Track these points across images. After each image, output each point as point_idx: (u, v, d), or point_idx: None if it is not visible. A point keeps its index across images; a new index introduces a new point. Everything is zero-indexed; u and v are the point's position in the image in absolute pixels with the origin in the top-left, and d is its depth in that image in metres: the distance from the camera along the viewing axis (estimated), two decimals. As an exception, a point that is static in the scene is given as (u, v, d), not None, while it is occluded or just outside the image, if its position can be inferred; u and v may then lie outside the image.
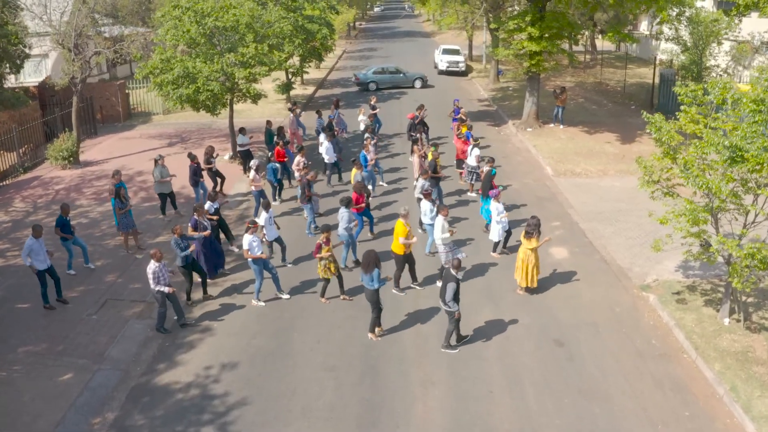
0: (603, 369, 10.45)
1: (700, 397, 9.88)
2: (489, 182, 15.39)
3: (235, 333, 11.51)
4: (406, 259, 12.64)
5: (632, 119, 27.00)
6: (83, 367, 10.80)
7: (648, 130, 11.11)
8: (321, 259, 11.94)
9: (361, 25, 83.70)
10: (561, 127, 25.35)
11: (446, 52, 40.88)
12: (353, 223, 13.61)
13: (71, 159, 21.37)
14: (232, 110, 20.85)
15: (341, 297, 12.46)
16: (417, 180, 16.10)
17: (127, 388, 10.32)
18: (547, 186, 19.19)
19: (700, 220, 10.21)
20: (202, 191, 17.02)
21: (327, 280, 12.33)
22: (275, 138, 19.59)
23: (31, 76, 30.75)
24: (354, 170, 16.34)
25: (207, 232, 13.12)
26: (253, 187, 16.32)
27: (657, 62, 30.94)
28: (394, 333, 11.41)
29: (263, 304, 12.42)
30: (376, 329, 11.22)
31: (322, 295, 12.48)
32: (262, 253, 12.25)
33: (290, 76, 29.69)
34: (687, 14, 27.61)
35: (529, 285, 12.51)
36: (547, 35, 23.01)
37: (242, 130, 19.81)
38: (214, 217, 14.38)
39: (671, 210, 10.64)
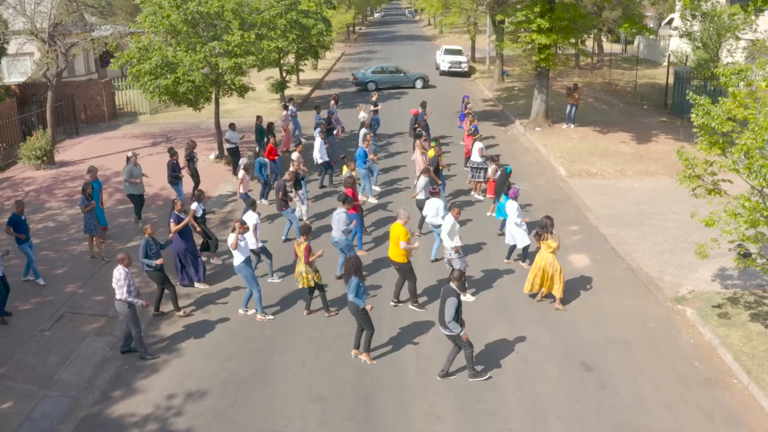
0: (641, 398, 8.79)
1: (757, 431, 8.22)
2: (504, 181, 13.83)
3: (206, 354, 9.84)
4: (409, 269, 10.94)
5: (646, 119, 25.57)
6: (27, 394, 9.16)
7: (691, 114, 9.47)
8: (309, 264, 10.35)
9: (361, 29, 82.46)
10: (572, 126, 23.83)
11: (448, 52, 39.42)
12: (351, 224, 11.96)
13: (45, 159, 19.77)
14: (218, 106, 19.27)
15: (305, 312, 10.86)
16: (418, 178, 14.49)
17: (75, 419, 8.67)
18: (560, 188, 17.60)
19: (761, 221, 8.57)
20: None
21: (321, 288, 10.73)
22: (268, 135, 18.07)
23: (14, 75, 29.40)
24: (345, 168, 14.70)
25: (186, 221, 11.65)
26: (241, 189, 14.73)
27: (670, 60, 29.50)
28: (391, 355, 9.74)
29: (272, 317, 10.76)
30: (353, 351, 9.62)
31: (323, 308, 10.86)
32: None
33: (285, 75, 28.12)
34: (703, 8, 26.20)
35: (553, 292, 10.92)
36: (557, 27, 21.50)
37: (232, 126, 18.26)
38: (198, 229, 12.78)
39: (725, 209, 8.99)
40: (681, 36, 28.40)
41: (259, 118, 19.83)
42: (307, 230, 10.57)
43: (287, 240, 13.85)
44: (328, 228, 14.18)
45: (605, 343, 10.03)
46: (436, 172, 14.69)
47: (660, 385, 9.09)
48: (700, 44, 27.39)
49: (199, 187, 14.92)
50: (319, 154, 17.06)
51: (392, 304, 11.08)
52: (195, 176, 16.01)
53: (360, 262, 9.23)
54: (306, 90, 33.49)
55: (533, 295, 11.30)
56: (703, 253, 9.39)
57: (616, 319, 10.76)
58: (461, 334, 8.68)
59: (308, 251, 10.27)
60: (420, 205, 13.75)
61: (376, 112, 21.28)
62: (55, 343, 10.40)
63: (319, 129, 17.99)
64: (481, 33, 46.20)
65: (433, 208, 12.38)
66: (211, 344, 10.10)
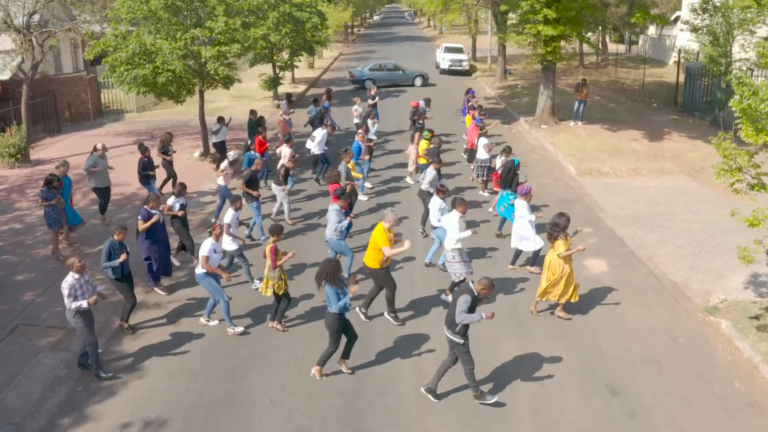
0: (677, 427, 7.51)
1: (815, 467, 6.96)
2: (509, 173, 12.61)
3: (171, 374, 8.51)
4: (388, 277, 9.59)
5: (656, 117, 24.42)
6: (-37, 421, 7.88)
7: (736, 93, 8.20)
8: (274, 269, 9.10)
9: (360, 31, 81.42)
10: (580, 124, 22.65)
11: (449, 50, 38.24)
12: (344, 222, 10.73)
13: (19, 156, 18.52)
14: (202, 100, 18.00)
15: (270, 323, 9.59)
16: (420, 171, 13.15)
17: (15, 452, 7.39)
18: (571, 187, 16.35)
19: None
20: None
21: (286, 298, 9.48)
22: (258, 128, 16.84)
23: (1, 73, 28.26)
24: (348, 163, 13.47)
25: (156, 218, 10.49)
26: (221, 181, 13.47)
27: (680, 56, 28.30)
28: (385, 377, 8.44)
29: (241, 330, 9.39)
30: (314, 369, 8.35)
31: (274, 319, 9.59)
32: (221, 267, 9.63)
33: (278, 71, 26.86)
34: (714, 1, 25.03)
35: (563, 299, 9.68)
36: (564, 18, 20.30)
37: (221, 120, 17.02)
38: (179, 213, 11.51)
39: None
40: (692, 31, 27.22)
41: (252, 112, 18.64)
42: (277, 230, 9.32)
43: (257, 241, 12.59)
44: (321, 227, 13.08)
45: (632, 361, 8.75)
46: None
47: (697, 412, 7.81)
48: (711, 39, 26.21)
49: (181, 182, 13.66)
50: (317, 146, 15.87)
51: (360, 312, 9.75)
52: (169, 171, 14.81)
53: (337, 268, 7.92)
54: (301, 88, 32.29)
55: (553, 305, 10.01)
56: (748, 257, 8.13)
57: (643, 332, 9.48)
58: (485, 317, 7.43)
59: (273, 253, 9.03)
60: (423, 197, 12.60)
61: (374, 105, 20.07)
62: (3, 360, 9.12)
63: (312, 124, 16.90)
64: (482, 34, 45.17)
65: (435, 208, 11.14)
66: (178, 363, 8.77)
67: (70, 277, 8.30)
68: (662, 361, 8.78)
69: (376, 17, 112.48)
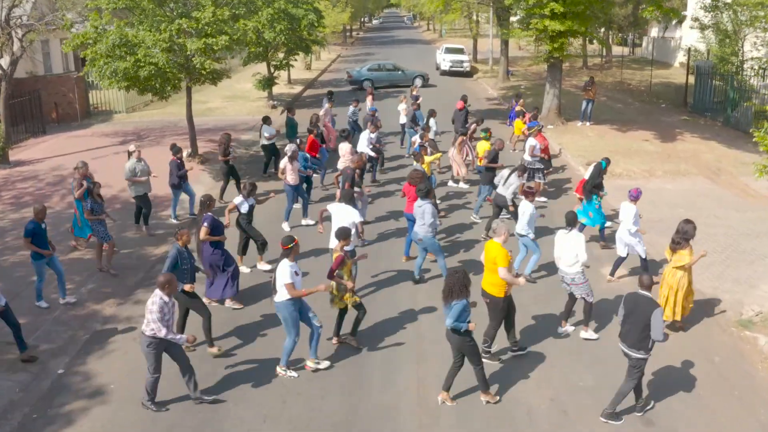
0: (723, 464, 6.49)
1: None
2: (597, 178, 11.84)
3: (139, 400, 7.43)
4: (509, 307, 8.04)
5: (665, 117, 23.55)
6: None
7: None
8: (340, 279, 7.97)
9: (358, 34, 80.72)
10: (588, 124, 21.74)
11: (449, 51, 37.33)
12: (437, 219, 10.16)
13: (-3, 157, 17.56)
14: (189, 97, 16.98)
15: (334, 340, 8.37)
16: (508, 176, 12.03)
17: (-47, 493, 6.35)
18: (582, 189, 15.37)
19: None
20: (188, 196, 13.33)
21: (344, 313, 8.35)
22: (308, 127, 15.78)
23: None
24: (428, 159, 12.86)
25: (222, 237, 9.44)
26: (289, 179, 12.49)
27: (689, 56, 27.35)
28: (385, 403, 7.39)
29: (295, 374, 7.82)
30: (483, 396, 7.25)
31: (337, 334, 8.45)
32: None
33: (273, 70, 25.88)
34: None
35: (676, 317, 8.85)
36: (571, 13, 19.40)
37: (267, 120, 15.99)
38: (227, 223, 10.25)
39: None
40: (701, 29, 26.33)
41: (290, 110, 17.56)
42: (345, 234, 8.19)
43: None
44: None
45: (665, 384, 7.71)
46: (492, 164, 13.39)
47: (743, 444, 6.79)
48: (721, 37, 25.33)
49: (251, 181, 12.13)
50: (366, 148, 14.97)
51: (485, 348, 8.13)
52: (228, 174, 14.16)
53: (469, 279, 6.89)
54: (297, 89, 31.37)
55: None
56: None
57: (674, 350, 8.44)
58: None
59: (339, 262, 7.92)
60: (501, 203, 11.76)
61: (418, 107, 19.23)
62: (-47, 382, 8.08)
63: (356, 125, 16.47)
64: (483, 37, 44.38)
65: (527, 214, 9.98)
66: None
67: (158, 299, 7.01)
68: (698, 384, 7.75)
69: (375, 21, 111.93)
